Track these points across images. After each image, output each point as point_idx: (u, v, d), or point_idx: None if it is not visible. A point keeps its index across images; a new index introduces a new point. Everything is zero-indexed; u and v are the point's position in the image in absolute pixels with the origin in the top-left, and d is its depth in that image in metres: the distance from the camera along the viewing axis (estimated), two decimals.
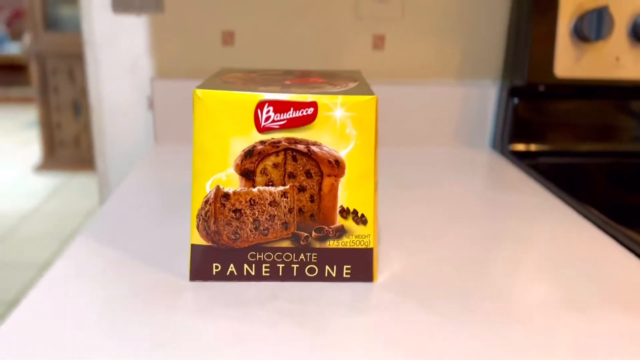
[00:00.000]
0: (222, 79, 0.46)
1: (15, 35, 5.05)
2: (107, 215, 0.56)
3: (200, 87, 0.42)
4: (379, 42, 0.81)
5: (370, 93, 0.41)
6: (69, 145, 3.04)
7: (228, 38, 0.79)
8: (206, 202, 0.42)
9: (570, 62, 0.72)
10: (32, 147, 3.45)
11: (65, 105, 2.97)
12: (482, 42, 0.82)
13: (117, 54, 0.79)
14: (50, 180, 2.90)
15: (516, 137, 0.77)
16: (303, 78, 0.48)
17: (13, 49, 4.99)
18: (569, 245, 0.52)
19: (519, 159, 0.75)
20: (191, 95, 0.80)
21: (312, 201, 0.42)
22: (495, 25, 0.81)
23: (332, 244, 0.43)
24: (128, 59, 0.80)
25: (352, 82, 0.47)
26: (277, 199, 0.42)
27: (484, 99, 0.82)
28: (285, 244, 0.43)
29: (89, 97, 0.82)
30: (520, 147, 0.78)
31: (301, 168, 0.42)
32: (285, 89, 0.43)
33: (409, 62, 0.82)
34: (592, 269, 0.47)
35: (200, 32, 0.79)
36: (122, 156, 0.83)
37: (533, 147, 0.77)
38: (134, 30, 0.78)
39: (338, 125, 0.41)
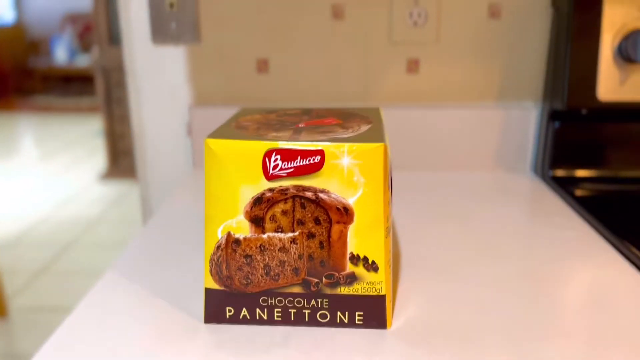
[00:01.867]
0: (237, 123, 0.47)
1: (86, 48, 5.33)
2: (139, 246, 0.58)
3: (212, 135, 0.42)
4: (413, 65, 0.79)
5: (380, 139, 0.41)
6: (131, 155, 3.16)
7: (262, 66, 0.80)
8: (218, 247, 0.43)
9: (614, 84, 0.69)
10: (98, 156, 3.62)
11: (128, 117, 3.10)
12: (522, 63, 0.79)
13: (157, 82, 0.82)
14: (113, 189, 3.03)
15: (557, 163, 0.74)
16: (318, 119, 0.48)
17: (84, 61, 5.27)
18: (605, 290, 0.49)
19: (560, 185, 0.72)
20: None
21: (321, 248, 0.42)
22: (535, 45, 0.78)
23: (343, 290, 0.43)
24: (167, 87, 0.82)
25: (366, 124, 0.46)
26: (287, 245, 0.42)
27: (525, 122, 0.79)
28: (297, 289, 0.43)
29: (130, 124, 0.85)
30: (562, 172, 0.74)
31: (310, 215, 0.41)
32: (296, 134, 0.43)
33: (445, 85, 0.80)
34: (627, 322, 0.45)
35: (236, 60, 0.80)
36: (163, 181, 0.86)
37: (575, 173, 0.74)
38: (172, 60, 0.81)
39: (345, 173, 0.40)
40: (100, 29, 2.99)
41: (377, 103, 0.81)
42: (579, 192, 0.70)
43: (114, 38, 2.98)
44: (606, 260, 0.54)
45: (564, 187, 0.71)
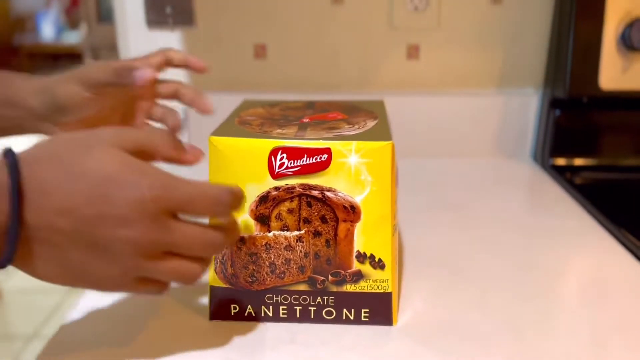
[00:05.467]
0: (240, 118, 0.46)
1: (74, 24, 5.22)
2: None
3: (216, 132, 0.42)
4: (413, 51, 0.78)
5: (388, 137, 0.40)
6: None
7: (260, 51, 0.79)
8: None
9: (616, 73, 0.68)
10: None
11: None
12: (524, 50, 0.78)
13: None
14: None
15: (557, 151, 0.74)
16: (323, 113, 0.47)
17: (71, 38, 5.17)
18: (605, 282, 0.50)
19: (560, 173, 0.72)
20: (224, 108, 0.80)
21: (328, 246, 0.42)
22: (537, 31, 0.77)
23: (349, 287, 0.42)
24: (163, 74, 0.80)
25: (372, 119, 0.45)
26: (293, 243, 0.42)
27: (525, 108, 0.79)
28: (302, 287, 0.43)
29: None
30: (562, 161, 0.74)
31: (316, 213, 0.41)
32: (301, 130, 0.42)
33: (445, 72, 0.79)
34: (628, 312, 0.45)
35: (233, 45, 0.79)
36: None
37: (575, 161, 0.74)
38: (167, 45, 0.79)
39: (353, 172, 0.40)
40: (88, 6, 2.94)
41: (376, 89, 0.80)
42: (578, 181, 0.70)
43: (102, 15, 2.92)
44: (606, 251, 0.55)
45: (564, 175, 0.71)
